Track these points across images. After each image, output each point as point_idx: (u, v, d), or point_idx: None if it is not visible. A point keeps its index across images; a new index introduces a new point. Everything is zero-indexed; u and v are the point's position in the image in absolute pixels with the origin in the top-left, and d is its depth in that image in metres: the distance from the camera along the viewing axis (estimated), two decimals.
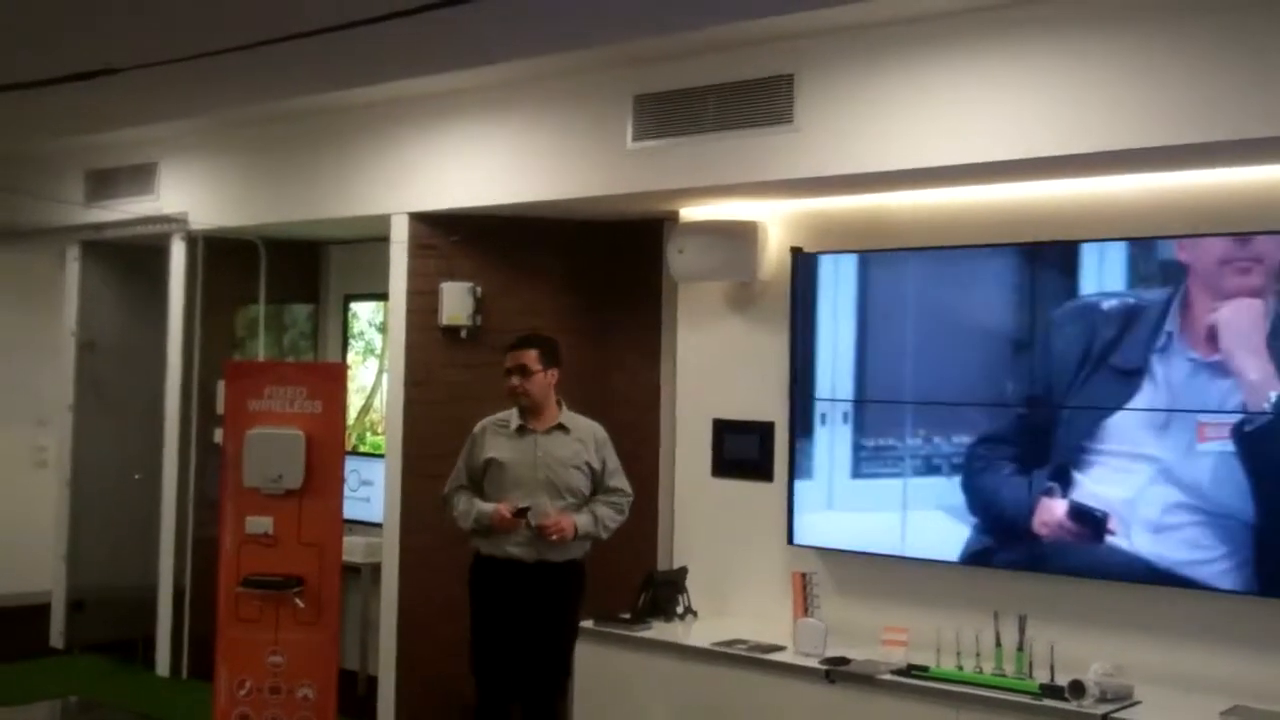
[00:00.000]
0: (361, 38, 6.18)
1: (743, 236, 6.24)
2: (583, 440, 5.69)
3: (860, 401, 5.92)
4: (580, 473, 5.65)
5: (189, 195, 8.05)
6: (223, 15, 6.04)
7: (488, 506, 5.57)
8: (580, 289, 7.07)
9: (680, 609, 6.24)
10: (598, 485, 5.70)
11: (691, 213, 6.54)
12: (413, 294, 6.88)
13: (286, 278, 8.56)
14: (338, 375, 7.00)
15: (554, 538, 5.49)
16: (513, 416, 5.68)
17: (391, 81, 6.46)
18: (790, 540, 6.09)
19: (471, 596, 5.71)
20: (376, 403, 8.27)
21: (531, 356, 5.62)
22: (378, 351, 8.33)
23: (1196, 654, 5.07)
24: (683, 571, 6.36)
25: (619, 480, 5.76)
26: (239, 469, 6.68)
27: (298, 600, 6.54)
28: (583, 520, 5.59)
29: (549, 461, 5.61)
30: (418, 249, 6.88)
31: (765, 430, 6.29)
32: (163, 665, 8.33)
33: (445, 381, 6.85)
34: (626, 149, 5.98)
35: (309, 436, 6.52)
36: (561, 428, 5.67)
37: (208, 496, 7.68)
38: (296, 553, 6.58)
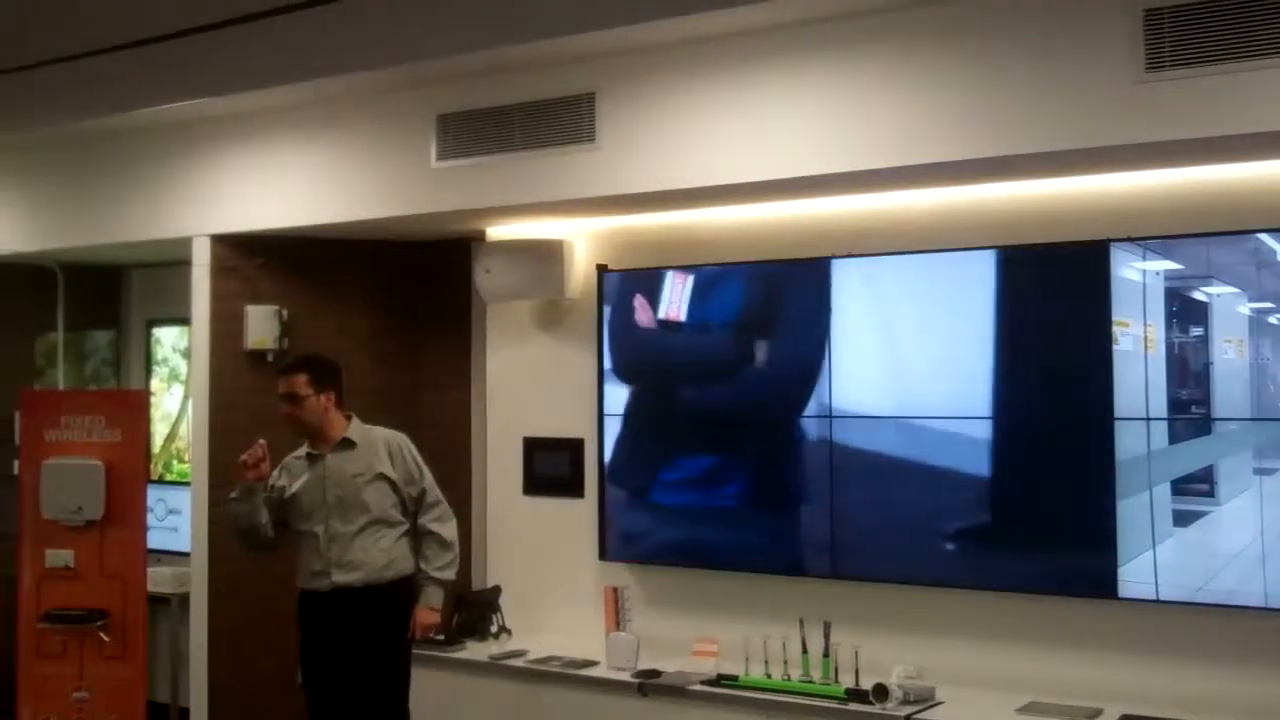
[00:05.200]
0: (158, 56, 6.10)
1: (549, 255, 6.26)
2: (374, 451, 5.35)
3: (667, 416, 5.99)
4: (375, 486, 5.30)
5: None
6: (11, 33, 5.89)
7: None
8: (389, 310, 7.00)
9: (494, 628, 6.23)
10: (405, 498, 5.35)
11: (498, 232, 6.54)
12: (216, 318, 6.72)
13: (86, 304, 8.33)
14: (137, 403, 6.86)
15: (433, 634, 5.47)
16: (304, 447, 5.42)
17: (190, 101, 6.33)
18: (602, 556, 6.13)
19: (298, 634, 5.39)
20: (182, 430, 8.08)
21: (300, 382, 5.33)
22: (182, 377, 8.15)
23: (994, 653, 5.24)
24: (496, 590, 6.35)
25: (426, 489, 5.38)
26: (37, 501, 6.52)
27: (102, 634, 6.41)
28: (432, 594, 5.33)
29: (337, 480, 5.29)
30: (220, 272, 6.74)
31: (575, 447, 6.32)
32: None
33: (251, 407, 6.69)
34: (431, 168, 5.95)
35: (109, 466, 6.40)
36: (347, 443, 5.35)
37: (7, 530, 7.43)
38: (99, 585, 6.46)
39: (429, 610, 5.32)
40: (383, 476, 5.32)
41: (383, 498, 5.31)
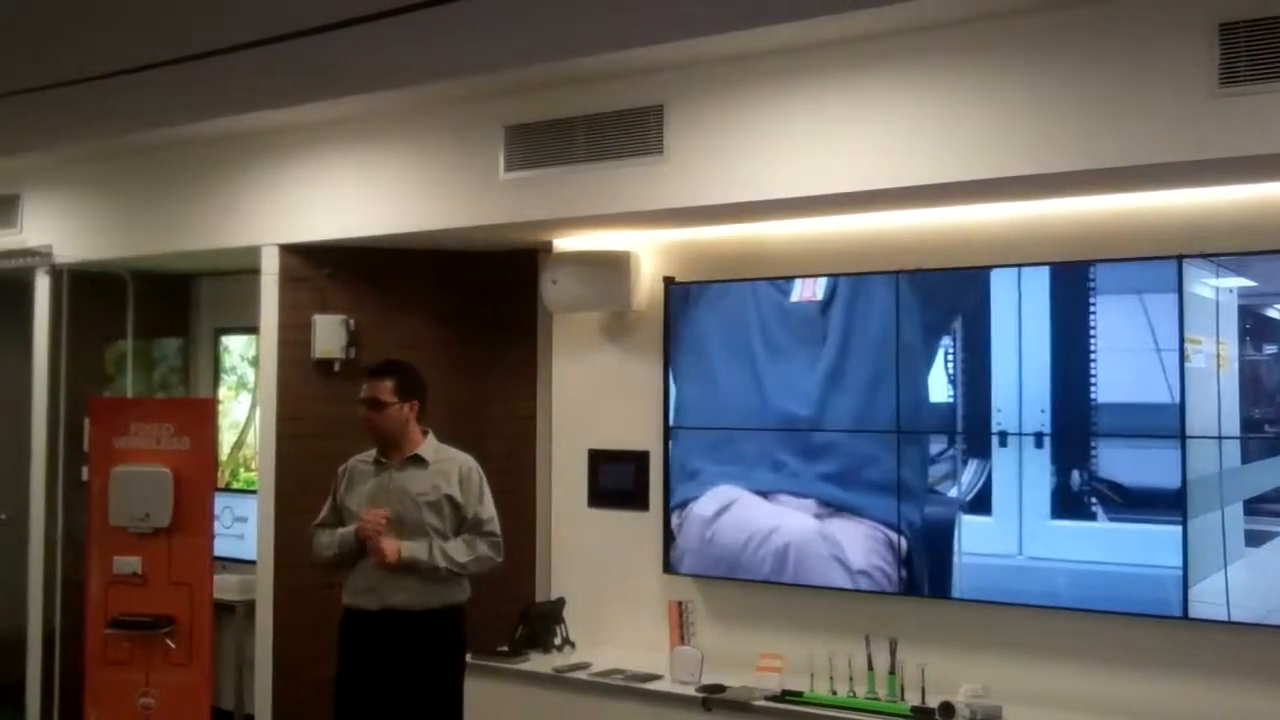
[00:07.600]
0: (228, 66, 6.14)
1: (615, 267, 6.27)
2: (445, 474, 5.21)
3: (727, 429, 5.97)
4: (436, 510, 5.15)
5: (53, 228, 7.87)
6: (84, 44, 5.95)
7: (351, 527, 5.14)
8: (455, 320, 7.03)
9: (558, 640, 6.23)
10: (465, 523, 5.22)
11: (565, 243, 6.56)
12: (284, 327, 6.78)
13: (155, 311, 8.38)
14: (206, 411, 6.92)
15: (375, 557, 5.04)
16: (374, 450, 5.31)
17: (259, 111, 6.38)
18: (666, 569, 6.12)
19: (337, 653, 5.27)
20: (249, 438, 8.15)
21: (386, 388, 5.20)
22: (250, 386, 8.22)
23: (1062, 672, 5.18)
24: (560, 602, 6.36)
25: (484, 517, 5.22)
26: (105, 507, 6.58)
27: (168, 641, 6.45)
28: (412, 546, 5.07)
29: (400, 496, 5.15)
30: (289, 281, 6.80)
31: (640, 459, 6.31)
32: (33, 710, 8.10)
33: (318, 416, 6.75)
34: (499, 180, 5.97)
35: (177, 473, 6.45)
36: (418, 460, 5.22)
37: (77, 536, 7.52)
38: (166, 592, 6.51)
39: (396, 547, 5.05)
40: (449, 499, 5.19)
41: (443, 521, 5.17)
